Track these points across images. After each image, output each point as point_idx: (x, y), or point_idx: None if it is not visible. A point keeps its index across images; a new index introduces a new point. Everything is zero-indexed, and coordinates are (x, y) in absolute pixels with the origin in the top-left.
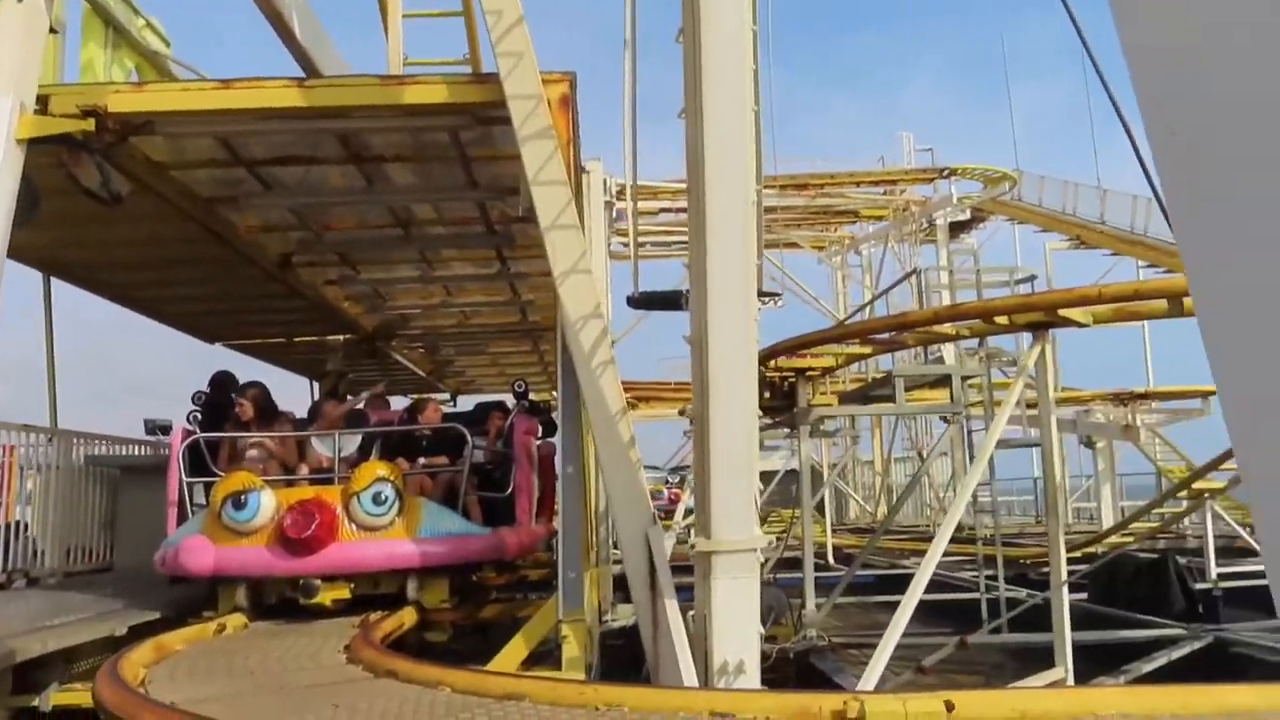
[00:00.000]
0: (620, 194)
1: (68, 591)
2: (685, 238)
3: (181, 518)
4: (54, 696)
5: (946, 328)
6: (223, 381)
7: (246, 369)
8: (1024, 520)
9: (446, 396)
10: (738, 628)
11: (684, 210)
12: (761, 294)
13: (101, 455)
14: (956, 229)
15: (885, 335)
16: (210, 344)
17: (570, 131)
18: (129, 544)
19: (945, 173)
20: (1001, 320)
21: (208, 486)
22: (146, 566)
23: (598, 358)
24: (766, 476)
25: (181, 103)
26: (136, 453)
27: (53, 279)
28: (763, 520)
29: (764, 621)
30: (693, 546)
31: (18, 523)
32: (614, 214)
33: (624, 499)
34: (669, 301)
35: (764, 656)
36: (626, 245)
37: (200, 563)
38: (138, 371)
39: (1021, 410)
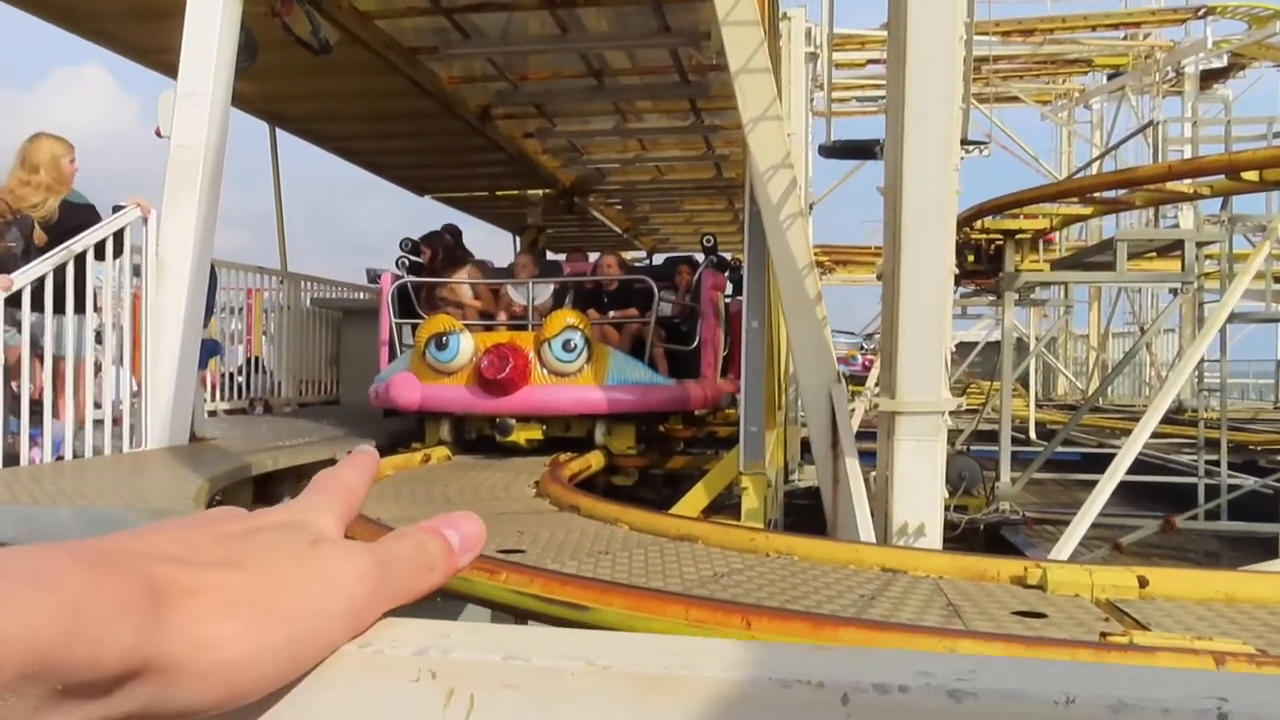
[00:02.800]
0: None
1: (299, 419)
2: None
3: (392, 356)
4: None
5: (1183, 185)
6: (439, 233)
7: (457, 221)
8: (1260, 405)
9: (643, 254)
10: (920, 490)
11: None
12: (965, 143)
13: (326, 298)
14: (1209, 79)
15: (1109, 194)
16: (420, 197)
17: None
18: (352, 380)
19: (1201, 12)
20: (1250, 176)
21: (414, 328)
22: (366, 401)
23: (786, 209)
24: (967, 347)
25: None
26: (358, 298)
27: (278, 130)
28: (962, 391)
29: (955, 491)
30: (873, 405)
31: (258, 359)
32: (818, 67)
33: (808, 356)
34: (863, 150)
35: (952, 526)
36: (835, 102)
37: (408, 397)
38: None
39: (1267, 283)
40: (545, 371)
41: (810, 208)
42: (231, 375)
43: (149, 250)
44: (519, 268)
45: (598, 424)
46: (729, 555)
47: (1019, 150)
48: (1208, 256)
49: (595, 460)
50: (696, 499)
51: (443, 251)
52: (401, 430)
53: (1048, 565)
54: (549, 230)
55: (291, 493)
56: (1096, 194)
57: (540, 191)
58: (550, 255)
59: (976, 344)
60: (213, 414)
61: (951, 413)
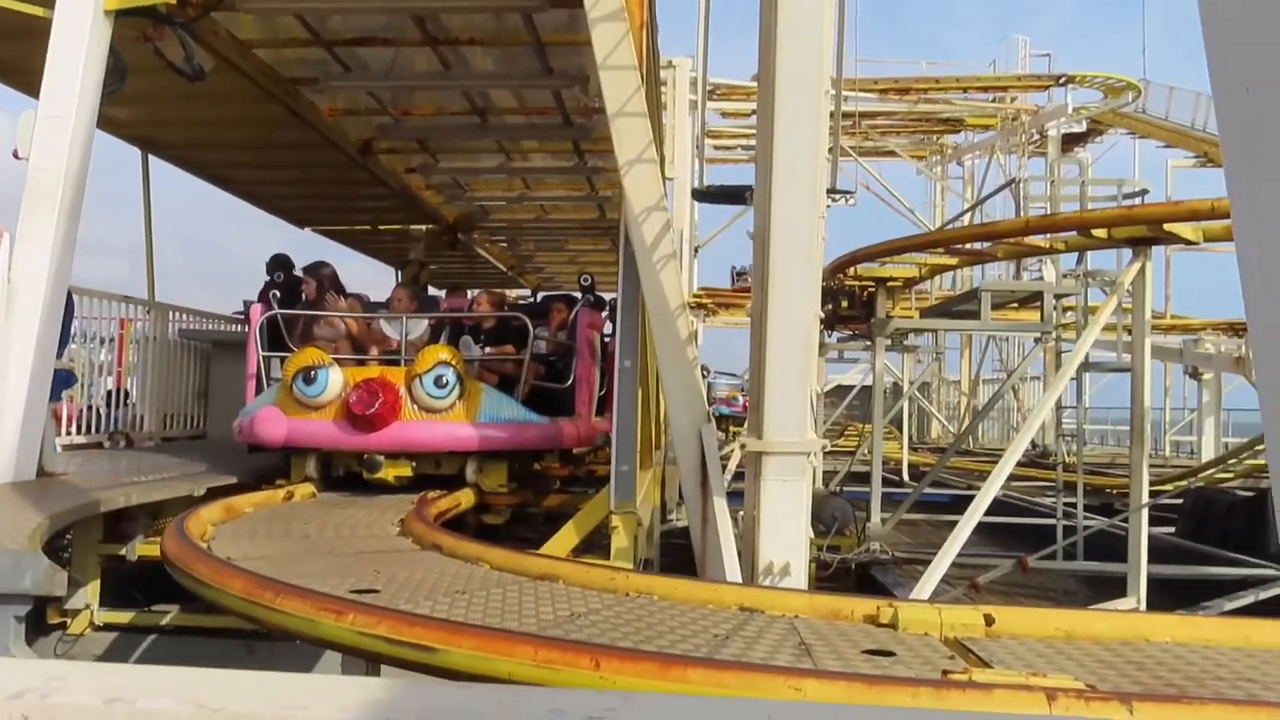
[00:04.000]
0: (712, 93)
1: (160, 454)
2: None
3: (259, 390)
4: (139, 548)
5: (1039, 240)
6: (285, 263)
7: (339, 255)
8: (1118, 450)
9: (527, 292)
10: (785, 530)
11: None
12: (832, 192)
13: (195, 329)
14: (1070, 142)
15: (971, 246)
16: (300, 229)
17: (644, 15)
18: (221, 414)
19: (1062, 80)
20: (1100, 234)
21: (284, 361)
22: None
23: (660, 251)
24: (845, 390)
25: None
26: (229, 330)
27: (151, 157)
28: (840, 433)
29: (828, 531)
30: (743, 446)
31: (125, 391)
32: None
33: (679, 396)
34: (735, 196)
35: (824, 565)
36: (717, 149)
37: (273, 432)
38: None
39: (1119, 335)
40: (416, 407)
41: (695, 251)
42: (94, 407)
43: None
44: (394, 303)
45: (469, 461)
46: (589, 595)
47: (895, 202)
48: (1066, 308)
49: (465, 498)
50: (566, 538)
51: (327, 284)
52: (266, 466)
53: (900, 605)
54: (432, 266)
55: (146, 530)
56: (961, 245)
57: (423, 227)
58: (433, 291)
59: (853, 387)
60: (68, 448)
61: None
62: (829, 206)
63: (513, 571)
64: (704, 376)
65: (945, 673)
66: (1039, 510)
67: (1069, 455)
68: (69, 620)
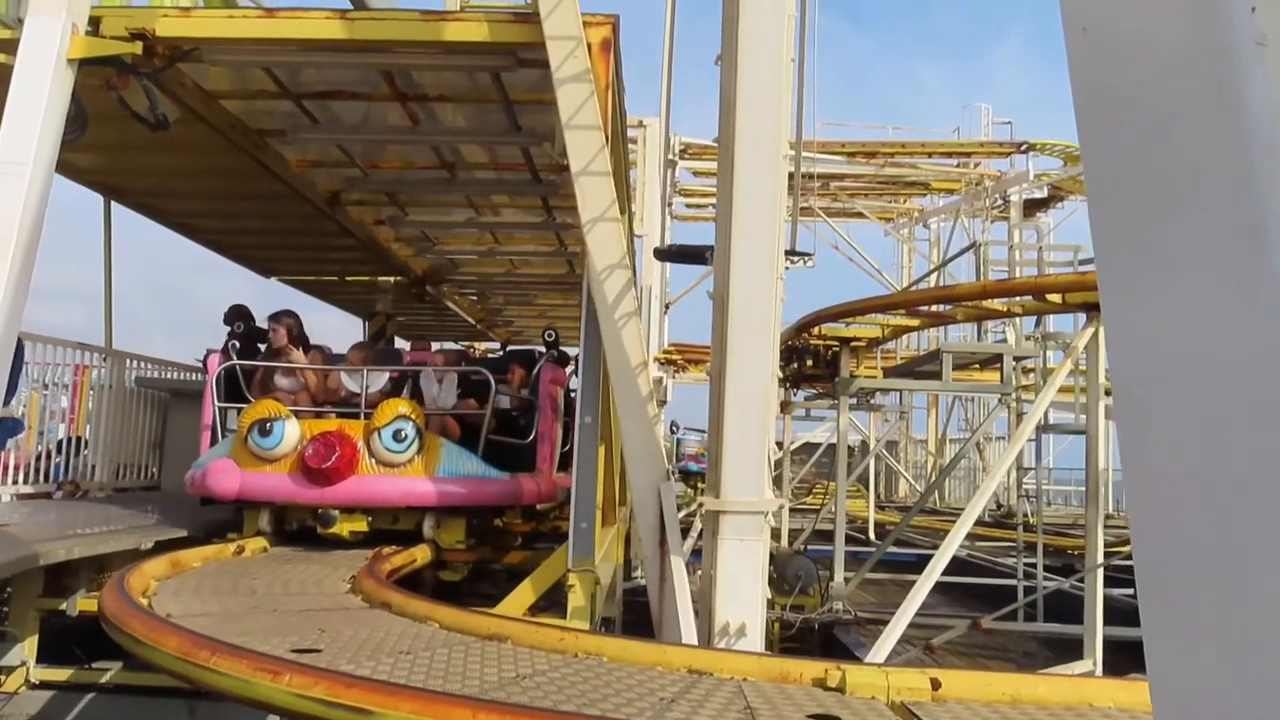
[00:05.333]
0: (684, 152)
1: (111, 505)
2: None
3: (214, 441)
4: (80, 603)
5: (996, 304)
6: (244, 313)
7: (306, 305)
8: (1081, 511)
9: (497, 345)
10: (741, 590)
11: None
12: (791, 253)
13: (152, 378)
14: (1033, 207)
15: (932, 308)
16: (265, 278)
17: (610, 77)
18: (176, 465)
19: (1023, 147)
20: (1054, 298)
21: (240, 412)
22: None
23: (621, 308)
24: (812, 448)
25: (226, 30)
26: (187, 378)
27: (114, 204)
28: (808, 491)
29: (792, 590)
30: (688, 503)
31: (78, 438)
32: (677, 173)
33: (638, 453)
34: (695, 256)
35: (788, 625)
36: (689, 206)
37: (225, 485)
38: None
39: (1076, 397)
40: (373, 461)
41: (666, 307)
42: (48, 454)
43: None
44: (349, 358)
45: (427, 517)
46: (537, 656)
47: (864, 263)
48: (1026, 370)
49: (421, 554)
50: (523, 596)
51: (293, 333)
52: (219, 520)
53: (847, 668)
54: (400, 318)
55: (89, 584)
56: (922, 307)
57: (391, 279)
58: (400, 343)
59: (820, 445)
60: (19, 498)
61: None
62: (788, 268)
63: (461, 631)
64: (673, 432)
65: None
66: (1001, 570)
67: (1030, 515)
68: (3, 678)
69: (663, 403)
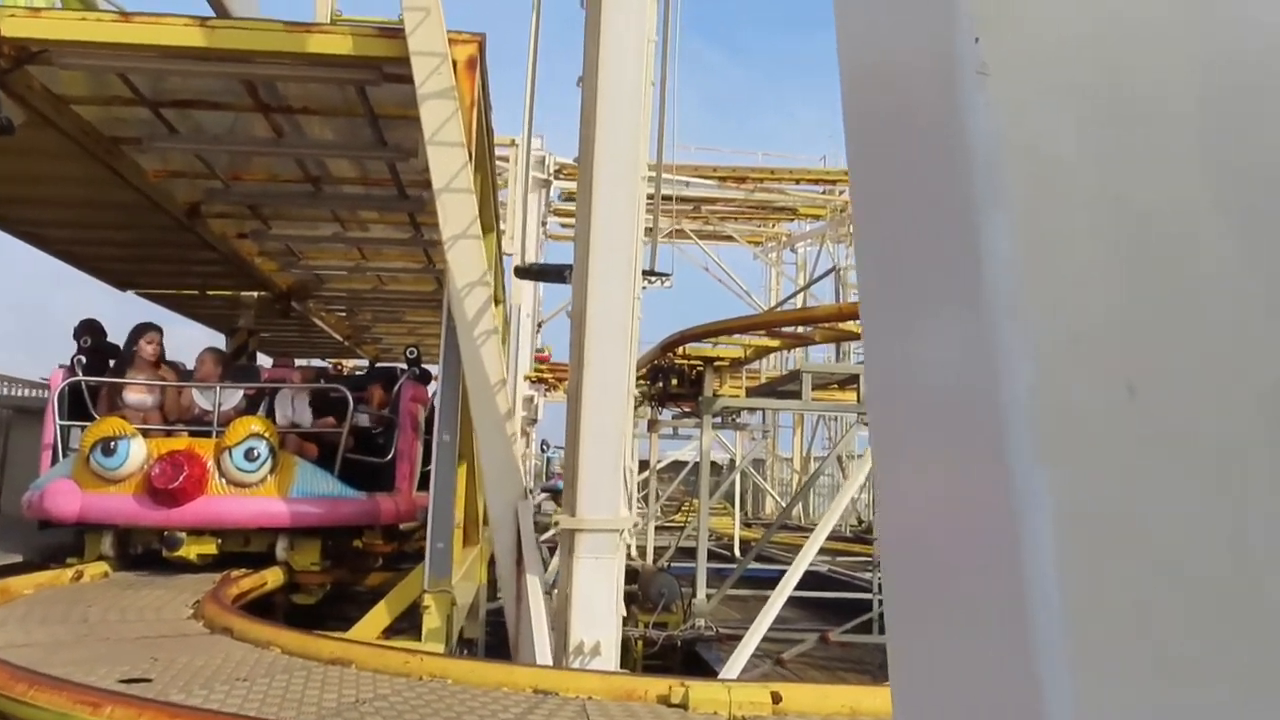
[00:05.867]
0: (559, 172)
1: None
2: None
3: (55, 461)
4: None
5: (852, 325)
6: (95, 328)
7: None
8: None
9: (365, 362)
10: (596, 608)
11: None
12: (649, 273)
13: None
14: None
15: (792, 329)
16: (121, 291)
17: (475, 95)
18: (18, 487)
19: None
20: None
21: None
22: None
23: (481, 326)
24: (679, 466)
25: (78, 32)
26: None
27: None
28: (676, 509)
29: (655, 608)
30: (556, 523)
31: None
32: (551, 193)
33: (496, 472)
34: (555, 274)
35: (651, 642)
36: (564, 226)
37: (65, 508)
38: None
39: None
40: (224, 481)
41: (539, 326)
42: None
43: None
44: (199, 365)
45: (280, 538)
46: (380, 680)
47: (733, 284)
48: None
49: (272, 577)
50: (377, 619)
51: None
52: (58, 544)
53: (691, 684)
54: (264, 334)
55: None
56: (783, 329)
57: (255, 293)
58: (263, 359)
59: (688, 463)
60: None
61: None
62: (645, 287)
63: (304, 656)
64: (543, 451)
65: None
66: (859, 585)
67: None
68: None
69: (533, 421)
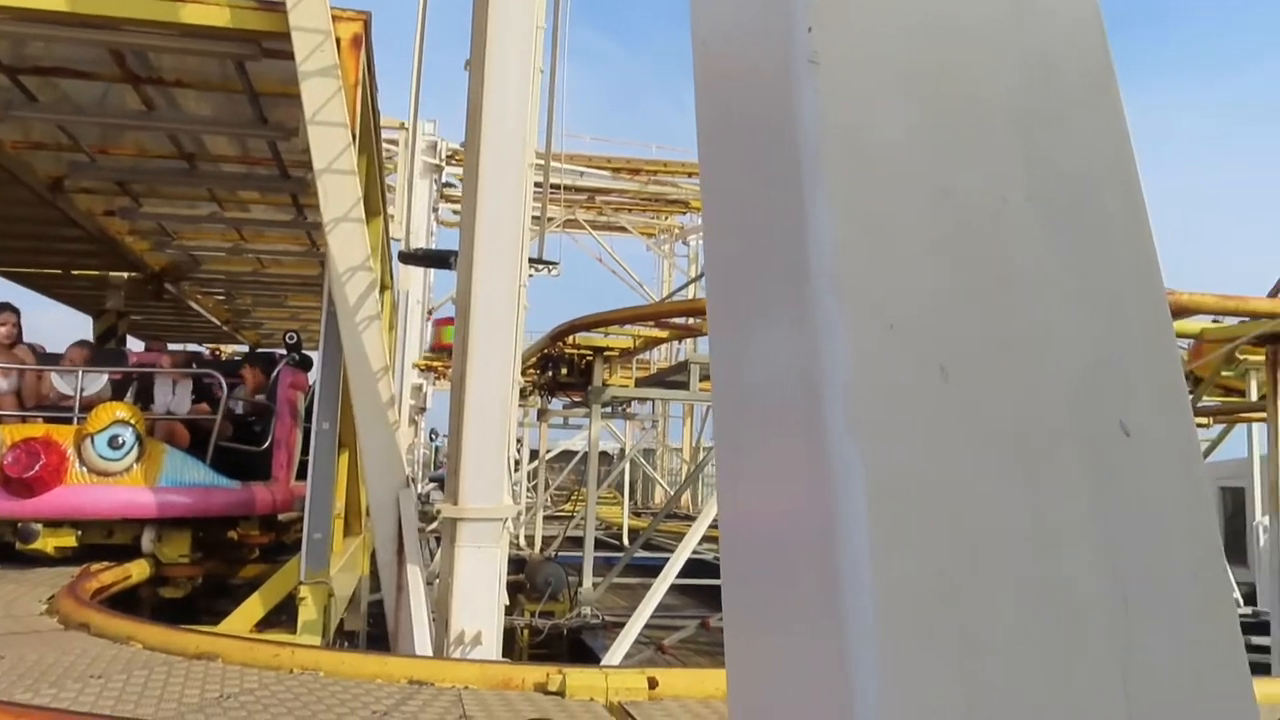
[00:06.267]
0: (451, 158)
1: None
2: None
3: None
4: None
5: None
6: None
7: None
8: None
9: (245, 348)
10: (478, 598)
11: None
12: (535, 261)
13: None
14: None
15: (681, 320)
16: None
17: (360, 74)
18: None
19: None
20: None
21: None
22: None
23: (363, 311)
24: (569, 455)
25: None
26: None
27: None
28: (566, 498)
29: (542, 596)
30: (438, 512)
31: None
32: (442, 178)
33: (377, 460)
34: (440, 260)
35: (537, 631)
36: (455, 213)
37: None
38: None
39: None
40: (85, 470)
41: (430, 314)
42: None
43: None
44: (66, 362)
45: (146, 529)
46: (248, 674)
47: (626, 276)
48: None
49: (138, 570)
50: (250, 611)
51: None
52: None
53: (568, 671)
54: (135, 316)
55: None
56: (669, 319)
57: (125, 274)
58: (133, 343)
59: (578, 453)
60: None
61: (550, 518)
62: (532, 276)
63: (167, 651)
64: (432, 440)
65: None
66: None
67: None
68: None
69: (422, 410)
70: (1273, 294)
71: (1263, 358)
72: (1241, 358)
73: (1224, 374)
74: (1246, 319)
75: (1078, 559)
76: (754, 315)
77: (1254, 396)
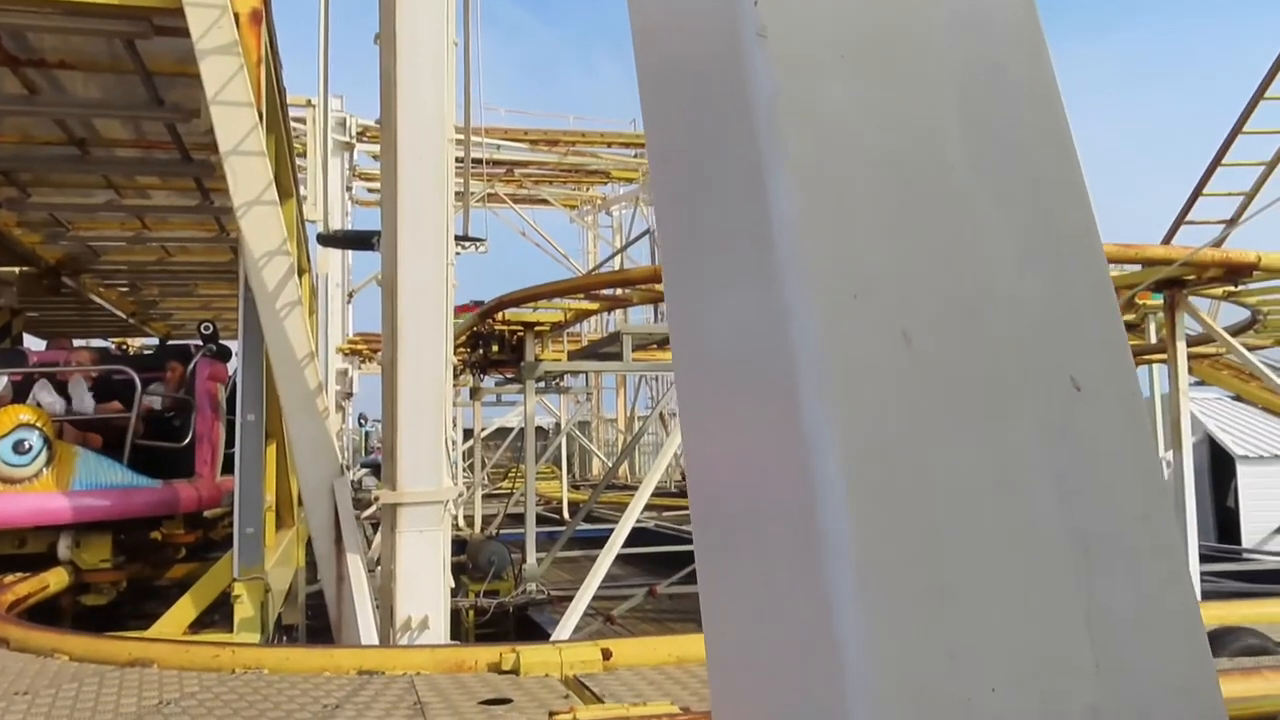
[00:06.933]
0: (362, 135)
1: None
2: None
3: None
4: None
5: None
6: None
7: None
8: None
9: (155, 341)
10: (423, 583)
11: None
12: (461, 238)
13: None
14: None
15: (611, 291)
16: None
17: (262, 51)
18: None
19: None
20: None
21: None
22: None
23: (283, 297)
24: (505, 433)
25: None
26: None
27: None
28: (504, 475)
29: (485, 576)
30: (375, 499)
31: None
32: (354, 157)
33: (307, 450)
34: (361, 241)
35: (482, 611)
36: (371, 191)
37: None
38: None
39: None
40: None
41: (350, 296)
42: None
43: None
44: None
45: (62, 536)
46: (187, 678)
47: (550, 249)
48: None
49: (55, 579)
50: (182, 613)
51: None
52: None
53: (521, 649)
54: (30, 313)
55: None
56: (598, 290)
57: (16, 269)
58: (30, 342)
59: (513, 430)
60: None
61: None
62: (459, 253)
63: (97, 660)
64: (361, 425)
65: (551, 714)
66: (685, 537)
67: None
68: None
69: (349, 395)
70: (1165, 241)
71: (1160, 303)
72: (1140, 302)
73: (1125, 319)
74: (1142, 266)
75: (1040, 508)
76: (715, 290)
77: (1153, 339)
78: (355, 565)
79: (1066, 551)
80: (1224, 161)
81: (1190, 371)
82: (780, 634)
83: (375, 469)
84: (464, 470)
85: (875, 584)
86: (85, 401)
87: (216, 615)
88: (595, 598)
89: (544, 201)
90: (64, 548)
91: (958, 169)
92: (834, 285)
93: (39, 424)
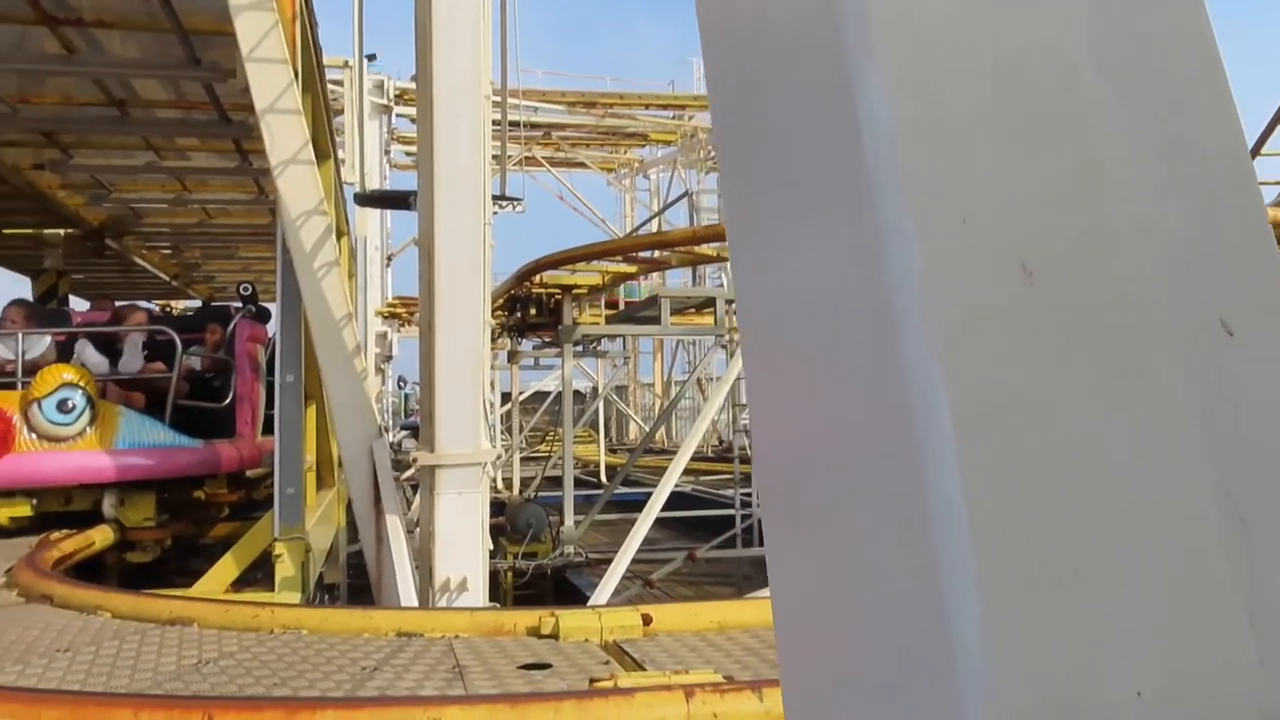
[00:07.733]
0: (400, 98)
1: None
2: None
3: None
4: None
5: (707, 249)
6: None
7: None
8: None
9: (198, 303)
10: (461, 544)
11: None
12: (499, 198)
13: None
14: None
15: (648, 254)
16: None
17: (297, 7)
18: None
19: None
20: None
21: None
22: None
23: (321, 258)
24: (542, 396)
25: None
26: None
27: None
28: (542, 439)
29: (524, 538)
30: (414, 460)
31: None
32: (393, 120)
33: (347, 411)
34: (398, 201)
35: (521, 573)
36: (409, 155)
37: None
38: None
39: None
40: (34, 436)
41: (389, 259)
42: None
43: None
44: (6, 325)
45: (107, 494)
46: (226, 637)
47: (588, 212)
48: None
49: (101, 536)
50: (225, 572)
51: None
52: None
53: (561, 613)
54: (77, 275)
55: None
56: (638, 253)
57: (61, 231)
58: (75, 303)
59: (551, 393)
60: None
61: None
62: (496, 213)
63: (138, 619)
64: (400, 388)
65: (592, 681)
66: (722, 502)
67: (748, 448)
68: None
69: (388, 358)
70: None
71: None
72: None
73: None
74: None
75: (1186, 477)
76: (792, 223)
77: None
78: (395, 526)
79: (1220, 527)
80: None
81: None
82: (876, 623)
83: (414, 431)
84: (502, 433)
85: (994, 566)
86: (137, 360)
87: (259, 574)
88: (633, 561)
89: (581, 165)
90: (109, 506)
91: (1082, 72)
92: (939, 206)
93: (82, 383)
